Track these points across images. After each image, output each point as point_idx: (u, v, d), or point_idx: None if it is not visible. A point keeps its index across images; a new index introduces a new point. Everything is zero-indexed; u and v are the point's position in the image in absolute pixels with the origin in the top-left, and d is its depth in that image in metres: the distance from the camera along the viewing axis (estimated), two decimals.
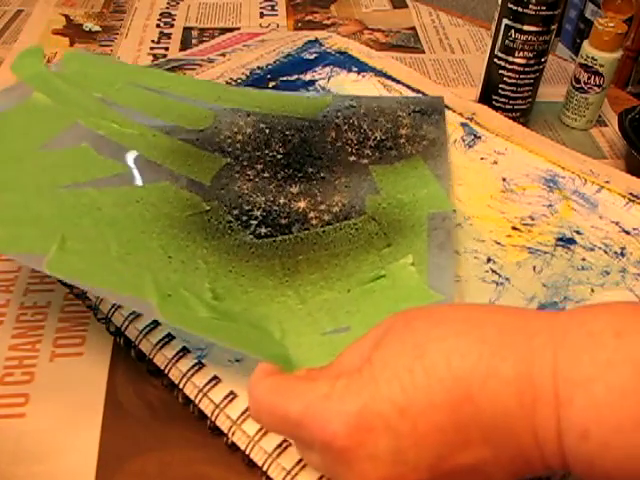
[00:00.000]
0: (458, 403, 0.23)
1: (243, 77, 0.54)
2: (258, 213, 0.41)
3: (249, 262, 0.37)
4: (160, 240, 0.37)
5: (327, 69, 0.57)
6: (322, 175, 0.44)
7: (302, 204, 0.42)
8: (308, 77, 0.56)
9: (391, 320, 0.27)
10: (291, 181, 0.43)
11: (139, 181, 0.41)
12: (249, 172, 0.43)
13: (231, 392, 0.32)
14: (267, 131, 0.47)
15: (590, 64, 0.54)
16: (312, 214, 0.41)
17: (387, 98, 0.53)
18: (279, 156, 0.45)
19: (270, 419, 0.26)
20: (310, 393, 0.25)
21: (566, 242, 0.41)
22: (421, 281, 0.36)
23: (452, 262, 0.38)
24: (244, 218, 0.40)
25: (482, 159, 0.48)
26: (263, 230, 0.40)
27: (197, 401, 0.32)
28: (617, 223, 0.43)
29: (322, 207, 0.42)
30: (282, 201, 0.42)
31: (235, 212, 0.41)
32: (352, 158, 0.46)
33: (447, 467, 0.24)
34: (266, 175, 0.43)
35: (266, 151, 0.45)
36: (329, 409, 0.24)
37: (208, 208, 0.40)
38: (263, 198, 0.42)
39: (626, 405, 0.22)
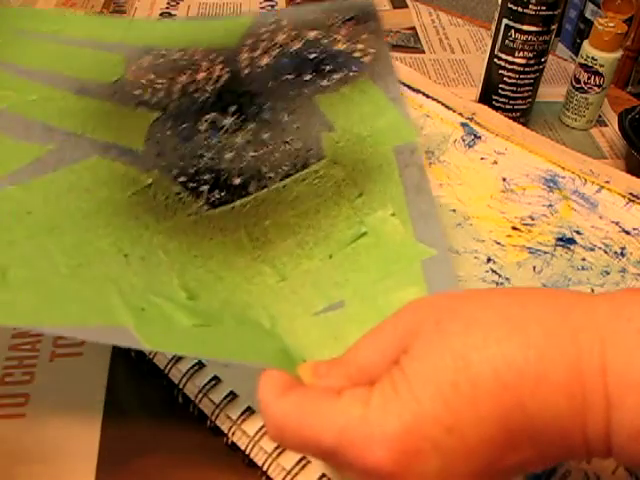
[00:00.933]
0: (508, 412, 0.22)
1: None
2: (207, 176, 0.36)
3: (212, 239, 0.33)
4: (109, 236, 0.32)
5: None
6: (265, 117, 0.39)
7: (252, 155, 0.37)
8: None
9: (414, 316, 0.25)
10: (233, 129, 0.38)
11: (64, 162, 0.34)
12: (183, 125, 0.38)
13: (231, 392, 0.32)
14: (189, 70, 0.41)
15: (590, 64, 0.54)
16: (266, 167, 0.37)
17: (311, 7, 0.47)
18: (211, 99, 0.39)
19: (297, 443, 0.24)
20: (342, 415, 0.23)
21: (566, 242, 0.41)
22: (407, 234, 0.33)
23: (433, 206, 0.35)
24: (192, 185, 0.36)
25: (482, 159, 0.48)
26: (216, 195, 0.35)
27: (197, 401, 0.32)
28: (617, 223, 0.43)
29: (275, 156, 0.37)
30: (228, 156, 0.37)
31: (181, 179, 0.36)
32: (292, 89, 0.41)
33: (494, 471, 0.23)
34: (203, 127, 0.38)
35: (195, 95, 0.39)
36: (369, 435, 0.22)
37: (150, 181, 0.35)
38: (207, 155, 0.37)
39: None
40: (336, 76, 0.42)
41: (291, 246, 0.34)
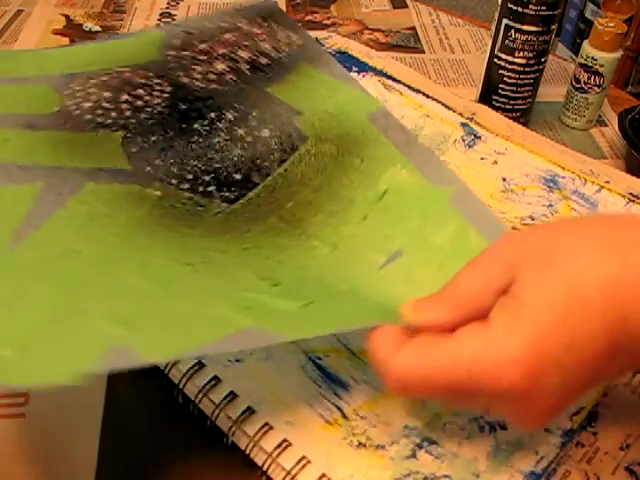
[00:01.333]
0: (613, 327, 0.25)
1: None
2: (207, 178, 0.36)
3: (250, 231, 0.34)
4: (160, 251, 0.31)
5: None
6: (229, 116, 0.40)
7: (238, 151, 0.38)
8: None
9: (515, 249, 0.27)
10: (205, 132, 0.39)
11: (63, 195, 0.32)
12: (153, 138, 0.37)
13: (231, 392, 0.32)
14: (127, 87, 0.40)
15: (590, 64, 0.54)
16: (258, 158, 0.38)
17: (215, 16, 0.48)
18: (167, 110, 0.39)
19: (424, 388, 0.26)
20: (467, 349, 0.25)
21: None
22: (422, 181, 0.35)
23: (429, 153, 0.38)
24: (200, 189, 0.36)
25: (482, 159, 0.48)
26: (227, 192, 0.36)
27: (197, 401, 0.32)
28: None
29: (260, 147, 0.38)
30: (215, 156, 0.37)
31: (184, 186, 0.36)
32: (241, 87, 0.42)
33: (597, 380, 0.27)
34: (173, 134, 0.38)
35: (147, 109, 0.39)
36: (499, 361, 0.25)
37: (158, 193, 0.34)
38: (195, 160, 0.37)
39: None
40: (276, 67, 0.43)
41: (323, 219, 0.35)
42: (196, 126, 0.39)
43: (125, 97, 0.39)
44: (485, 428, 0.32)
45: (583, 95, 0.56)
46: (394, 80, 0.55)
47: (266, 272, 0.32)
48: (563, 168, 0.47)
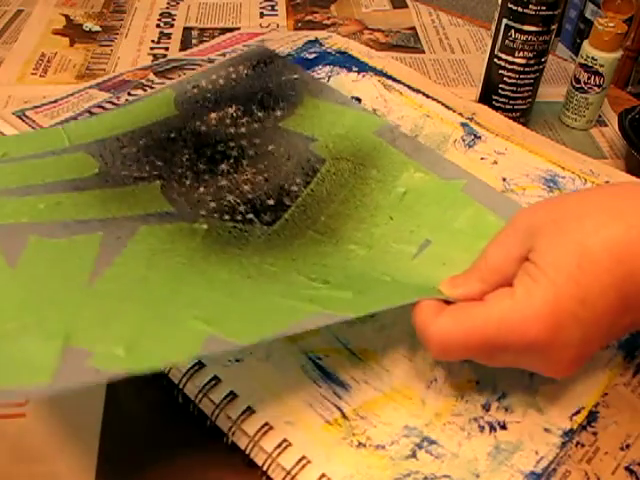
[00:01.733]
0: (622, 282, 0.28)
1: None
2: (242, 208, 0.40)
3: (293, 244, 0.38)
4: (221, 271, 0.35)
5: (327, 69, 0.57)
6: (250, 153, 0.44)
7: (264, 181, 0.42)
8: None
9: (530, 220, 0.31)
10: (231, 173, 0.43)
11: (122, 239, 0.36)
12: (187, 182, 0.42)
13: (231, 392, 0.32)
14: (153, 143, 0.45)
15: (590, 64, 0.54)
16: (284, 184, 0.42)
17: (216, 66, 0.53)
18: (194, 157, 0.44)
19: (461, 348, 0.30)
20: (496, 310, 0.29)
21: None
22: (436, 179, 0.41)
23: (437, 154, 0.44)
24: (239, 217, 0.39)
25: (482, 159, 0.48)
26: (265, 217, 0.39)
27: (197, 401, 0.32)
28: None
29: (284, 175, 0.42)
30: (246, 188, 0.41)
31: (226, 217, 0.39)
32: (256, 126, 0.46)
33: (613, 333, 0.30)
34: (204, 177, 0.42)
35: (175, 159, 0.43)
36: (524, 318, 0.28)
37: (205, 227, 0.38)
38: (230, 196, 0.41)
39: None
40: (282, 104, 0.48)
41: (355, 225, 0.39)
42: (223, 166, 0.43)
43: (154, 152, 0.44)
44: (485, 428, 0.32)
45: (583, 95, 0.56)
46: (394, 80, 0.55)
47: (315, 274, 0.35)
48: (563, 168, 0.47)
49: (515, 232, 0.31)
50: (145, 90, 0.45)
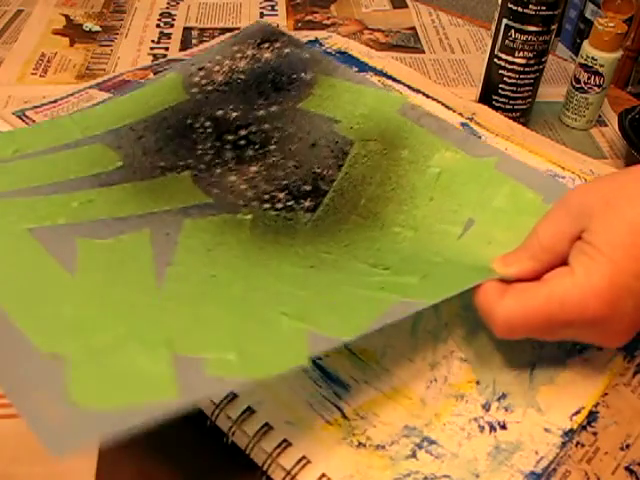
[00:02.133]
0: None
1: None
2: (281, 195, 0.40)
3: (341, 230, 0.37)
4: (284, 263, 0.34)
5: None
6: (274, 137, 0.43)
7: (295, 165, 0.41)
8: None
9: (583, 200, 0.32)
10: (259, 159, 0.42)
11: (171, 236, 0.35)
12: (218, 171, 0.41)
13: (231, 392, 0.32)
14: (171, 131, 0.43)
15: (590, 64, 0.54)
16: (316, 168, 0.41)
17: (219, 46, 0.52)
18: (217, 144, 0.43)
19: (526, 325, 0.31)
20: (557, 289, 0.30)
21: None
22: (468, 157, 0.41)
23: (463, 132, 0.43)
24: (279, 205, 0.39)
25: None
26: (305, 203, 0.39)
27: None
28: None
29: (314, 159, 0.42)
30: (280, 173, 0.41)
31: (267, 206, 0.39)
32: (274, 109, 0.45)
33: None
34: (233, 165, 0.41)
35: (198, 147, 0.42)
36: (584, 294, 0.30)
37: (249, 217, 0.37)
38: (264, 185, 0.40)
39: None
40: (297, 84, 0.47)
41: (396, 208, 0.39)
42: (250, 152, 0.42)
43: (175, 140, 0.43)
44: (485, 428, 0.32)
45: (583, 95, 0.56)
46: (394, 80, 0.55)
47: (373, 260, 0.35)
48: (563, 168, 0.46)
49: (568, 212, 0.32)
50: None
